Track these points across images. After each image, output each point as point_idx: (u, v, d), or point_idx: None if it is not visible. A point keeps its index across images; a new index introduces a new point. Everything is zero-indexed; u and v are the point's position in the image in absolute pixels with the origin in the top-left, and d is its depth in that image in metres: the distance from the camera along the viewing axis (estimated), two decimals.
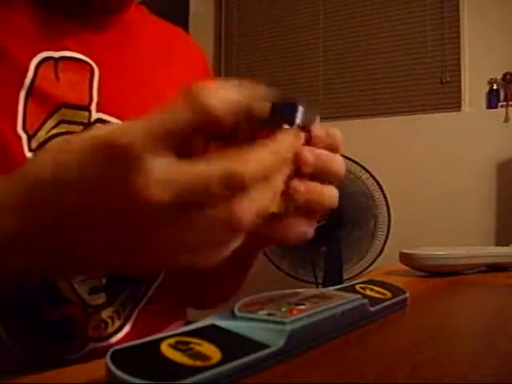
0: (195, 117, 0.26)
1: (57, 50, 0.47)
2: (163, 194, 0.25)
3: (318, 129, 0.33)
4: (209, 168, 0.25)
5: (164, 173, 0.25)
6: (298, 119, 0.31)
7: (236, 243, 0.28)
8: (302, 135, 0.31)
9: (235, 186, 0.25)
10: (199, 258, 0.28)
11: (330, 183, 0.35)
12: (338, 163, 0.34)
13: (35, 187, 0.29)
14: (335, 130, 0.34)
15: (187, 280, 0.57)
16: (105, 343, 0.46)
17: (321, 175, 0.33)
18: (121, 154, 0.25)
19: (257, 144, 0.27)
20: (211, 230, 0.26)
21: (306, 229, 0.36)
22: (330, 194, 0.34)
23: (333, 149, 0.34)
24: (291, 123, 0.31)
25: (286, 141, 0.29)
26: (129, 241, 0.27)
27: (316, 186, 0.33)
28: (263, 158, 0.26)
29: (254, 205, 0.26)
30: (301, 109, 0.32)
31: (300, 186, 0.32)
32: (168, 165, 0.25)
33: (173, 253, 0.28)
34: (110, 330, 0.47)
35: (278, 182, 0.28)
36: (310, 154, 0.32)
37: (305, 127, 0.32)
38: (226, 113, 0.26)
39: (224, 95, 0.26)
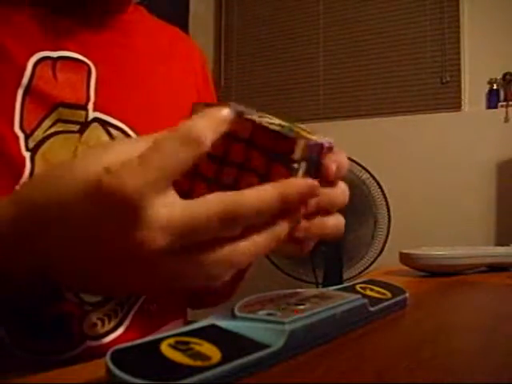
0: (190, 156, 0.26)
1: (55, 50, 0.47)
2: (164, 239, 0.26)
3: (329, 164, 0.32)
4: (208, 207, 0.26)
5: (165, 219, 0.26)
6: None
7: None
8: (313, 184, 0.29)
9: (233, 226, 0.26)
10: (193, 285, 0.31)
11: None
12: (340, 196, 0.34)
13: (27, 215, 0.30)
14: (343, 159, 0.33)
15: None
16: (101, 341, 0.46)
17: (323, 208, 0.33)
18: (122, 206, 0.25)
19: (261, 185, 0.27)
20: (209, 268, 0.27)
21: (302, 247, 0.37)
22: (333, 224, 0.34)
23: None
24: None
25: (294, 186, 0.28)
26: (122, 275, 0.29)
27: (318, 221, 0.33)
28: (263, 198, 0.27)
29: (253, 247, 0.27)
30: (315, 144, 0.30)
31: (302, 224, 0.31)
32: (168, 209, 0.26)
33: (167, 284, 0.29)
34: (107, 328, 0.47)
35: (283, 227, 0.29)
36: (312, 201, 0.31)
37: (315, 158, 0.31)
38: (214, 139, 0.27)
39: (212, 125, 0.27)
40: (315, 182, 0.29)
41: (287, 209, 0.28)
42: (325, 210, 0.33)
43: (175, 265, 0.27)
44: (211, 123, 0.27)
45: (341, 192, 0.34)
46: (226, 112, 0.28)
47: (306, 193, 0.28)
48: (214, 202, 0.26)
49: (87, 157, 0.30)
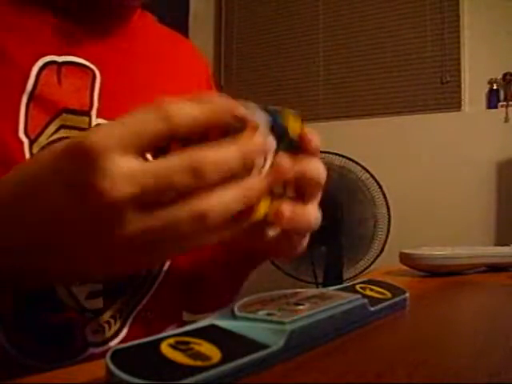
0: (161, 128, 0.27)
1: (60, 55, 0.47)
2: (126, 189, 0.25)
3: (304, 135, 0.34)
4: (170, 161, 0.26)
5: (127, 169, 0.26)
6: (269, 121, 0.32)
7: (211, 239, 0.29)
8: (270, 137, 0.32)
9: (196, 176, 0.26)
10: (168, 252, 0.31)
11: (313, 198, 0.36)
12: (321, 167, 0.35)
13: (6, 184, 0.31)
14: (314, 136, 0.35)
15: (182, 287, 0.57)
16: (103, 348, 0.46)
17: (303, 182, 0.34)
18: (83, 153, 0.26)
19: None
20: (178, 224, 0.27)
21: (296, 245, 0.37)
22: (313, 215, 0.35)
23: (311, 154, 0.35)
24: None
25: (252, 139, 0.29)
26: (94, 243, 0.28)
27: (300, 209, 0.34)
28: (224, 151, 0.27)
29: (220, 201, 0.27)
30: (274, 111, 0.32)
31: (286, 211, 0.33)
32: (131, 163, 0.26)
33: (139, 253, 0.28)
34: (108, 334, 0.47)
35: (252, 184, 0.29)
36: (286, 160, 0.33)
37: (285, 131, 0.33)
38: (189, 128, 0.27)
39: (189, 111, 0.27)
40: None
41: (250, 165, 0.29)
42: (306, 186, 0.34)
43: (142, 223, 0.26)
44: (195, 110, 0.28)
45: (320, 164, 0.35)
46: (217, 105, 0.29)
47: (265, 149, 0.30)
48: (175, 157, 0.26)
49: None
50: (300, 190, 0.35)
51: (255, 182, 0.29)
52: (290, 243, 0.39)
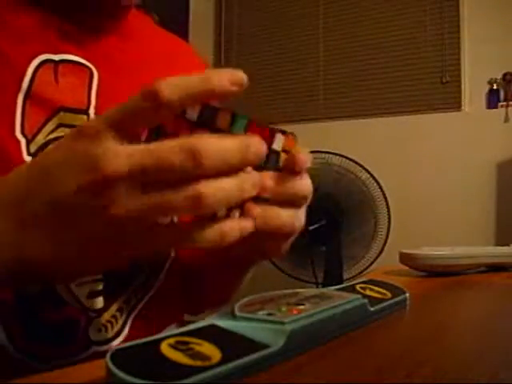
0: (152, 107, 0.27)
1: (57, 53, 0.47)
2: (125, 165, 0.26)
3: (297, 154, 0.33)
4: (171, 143, 0.26)
5: (123, 147, 0.27)
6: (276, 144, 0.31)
7: (207, 240, 0.28)
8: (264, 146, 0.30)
9: (195, 159, 0.26)
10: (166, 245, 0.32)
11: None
12: (305, 186, 0.34)
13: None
14: (307, 156, 0.33)
15: (183, 286, 0.57)
16: (106, 347, 0.46)
17: (283, 199, 0.33)
18: (81, 129, 0.28)
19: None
20: (173, 209, 0.27)
21: (280, 244, 0.37)
22: (288, 215, 0.33)
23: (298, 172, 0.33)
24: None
25: (255, 139, 0.29)
26: (89, 223, 0.28)
27: (274, 211, 0.33)
28: (225, 141, 0.27)
29: (216, 187, 0.27)
30: (278, 135, 0.32)
31: (254, 209, 0.31)
32: (127, 143, 0.27)
33: (135, 239, 0.29)
34: (111, 333, 0.47)
35: (250, 178, 0.29)
36: (270, 181, 0.32)
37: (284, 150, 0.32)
38: (175, 98, 0.27)
39: (176, 82, 0.28)
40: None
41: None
42: (290, 202, 0.33)
43: (139, 202, 0.27)
44: (177, 88, 0.28)
45: (306, 183, 0.34)
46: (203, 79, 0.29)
47: (263, 150, 0.29)
48: (176, 140, 0.27)
49: None
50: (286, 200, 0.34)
51: (253, 177, 0.29)
52: (266, 246, 0.38)
